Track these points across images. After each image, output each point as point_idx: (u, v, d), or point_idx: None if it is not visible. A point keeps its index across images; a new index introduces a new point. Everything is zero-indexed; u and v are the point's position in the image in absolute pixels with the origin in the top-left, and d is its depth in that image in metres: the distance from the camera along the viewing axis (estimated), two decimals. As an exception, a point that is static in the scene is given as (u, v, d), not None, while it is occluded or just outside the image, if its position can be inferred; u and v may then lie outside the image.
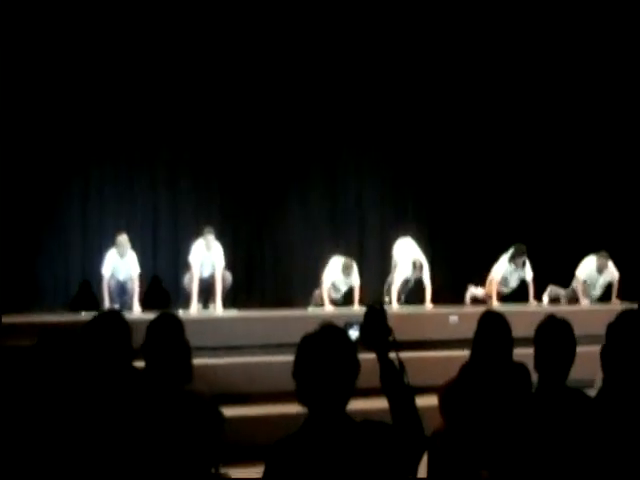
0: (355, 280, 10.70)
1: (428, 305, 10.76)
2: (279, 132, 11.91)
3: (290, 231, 12.03)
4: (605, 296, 11.19)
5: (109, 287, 10.37)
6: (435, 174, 12.45)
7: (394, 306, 10.68)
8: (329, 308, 10.48)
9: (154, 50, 11.40)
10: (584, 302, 11.00)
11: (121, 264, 10.40)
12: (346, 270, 10.61)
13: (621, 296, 10.99)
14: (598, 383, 4.86)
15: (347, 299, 10.86)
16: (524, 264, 10.96)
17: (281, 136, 11.92)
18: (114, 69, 11.23)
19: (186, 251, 10.74)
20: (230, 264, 10.92)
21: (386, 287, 11.24)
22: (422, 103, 12.39)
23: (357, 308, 10.41)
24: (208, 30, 11.59)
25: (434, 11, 12.27)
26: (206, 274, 10.59)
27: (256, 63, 11.77)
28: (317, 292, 10.86)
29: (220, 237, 10.81)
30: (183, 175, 11.76)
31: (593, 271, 11.03)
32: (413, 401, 2.73)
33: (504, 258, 11.07)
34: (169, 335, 4.03)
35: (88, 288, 11.11)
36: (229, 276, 10.74)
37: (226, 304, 10.61)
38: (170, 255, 11.65)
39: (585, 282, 11.09)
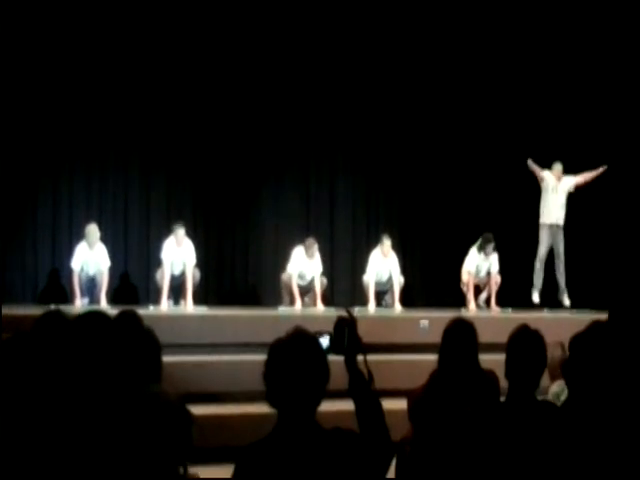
0: (317, 266, 10.79)
1: (397, 307, 10.81)
2: (252, 129, 11.92)
3: (262, 228, 12.04)
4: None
5: (79, 281, 10.31)
6: (407, 173, 12.53)
7: (370, 307, 10.82)
8: (298, 305, 10.57)
9: (127, 44, 11.34)
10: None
11: (91, 257, 10.32)
12: (309, 250, 10.70)
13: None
14: (553, 389, 4.90)
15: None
16: (493, 250, 11.11)
17: (255, 133, 11.94)
18: (87, 63, 11.16)
19: (157, 247, 10.71)
20: (201, 261, 10.91)
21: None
22: (396, 101, 12.48)
23: (321, 308, 10.48)
24: (186, 24, 11.55)
25: (414, 10, 12.31)
26: (177, 271, 10.56)
27: (232, 60, 11.77)
28: (284, 277, 10.86)
29: (192, 234, 10.81)
30: (155, 171, 11.74)
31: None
32: (381, 410, 2.74)
33: (473, 249, 11.23)
34: (127, 334, 4.01)
35: (57, 281, 11.04)
36: (198, 273, 10.72)
37: (196, 301, 10.58)
38: (141, 251, 11.61)
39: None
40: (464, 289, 11.36)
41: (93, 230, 10.26)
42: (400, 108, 12.48)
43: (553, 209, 11.16)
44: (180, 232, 10.39)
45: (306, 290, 10.93)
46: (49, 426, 3.35)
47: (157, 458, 3.70)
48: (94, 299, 10.28)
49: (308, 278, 10.90)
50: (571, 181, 11.18)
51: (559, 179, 11.12)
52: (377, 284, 11.10)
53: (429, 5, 12.32)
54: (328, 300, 11.17)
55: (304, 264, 10.82)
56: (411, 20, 12.35)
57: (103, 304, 10.03)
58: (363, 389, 2.73)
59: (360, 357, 2.78)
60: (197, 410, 4.98)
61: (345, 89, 12.25)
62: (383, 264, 11.07)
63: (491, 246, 11.12)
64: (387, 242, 10.99)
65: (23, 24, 10.76)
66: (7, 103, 10.67)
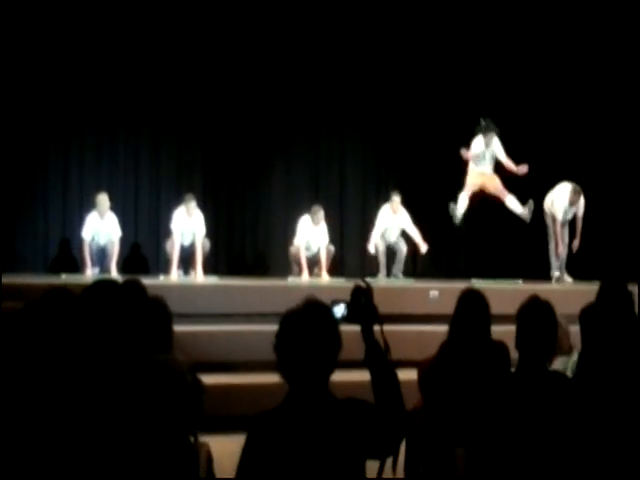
0: (324, 235, 10.84)
1: (423, 247, 10.99)
2: (263, 100, 11.90)
3: (272, 198, 12.04)
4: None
5: (90, 250, 10.34)
6: (418, 144, 12.47)
7: (371, 249, 10.97)
8: (306, 276, 10.60)
9: (137, 21, 11.34)
10: (560, 246, 11.02)
11: (101, 226, 10.35)
12: (315, 217, 10.73)
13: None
14: (556, 365, 4.89)
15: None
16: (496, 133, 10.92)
17: (265, 104, 11.91)
18: (96, 38, 11.15)
19: (167, 218, 10.72)
20: (211, 231, 10.92)
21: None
22: (403, 71, 12.44)
23: (326, 279, 10.53)
24: (191, 6, 11.53)
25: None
26: (187, 242, 10.58)
27: (242, 35, 11.77)
28: (292, 249, 10.89)
29: (202, 204, 10.82)
30: (165, 140, 11.74)
31: (566, 204, 10.97)
32: (396, 381, 2.74)
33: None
34: (132, 303, 4.02)
35: (68, 250, 11.08)
36: (207, 243, 10.73)
37: (206, 271, 10.61)
38: (151, 221, 11.65)
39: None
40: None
41: (103, 200, 10.28)
42: (407, 80, 12.43)
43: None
44: (191, 203, 10.40)
45: (314, 261, 10.94)
46: (57, 396, 3.37)
47: (167, 426, 3.72)
48: (104, 269, 10.31)
49: (314, 249, 10.90)
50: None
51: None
52: (387, 242, 11.12)
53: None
54: (337, 270, 11.20)
55: (311, 234, 10.83)
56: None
57: (114, 274, 10.05)
58: (379, 359, 2.73)
59: (377, 327, 2.77)
60: (208, 379, 4.99)
61: (354, 59, 12.21)
62: (392, 220, 11.05)
63: (492, 131, 10.81)
64: (396, 198, 10.96)
65: (32, 2, 10.75)
66: (17, 74, 10.68)
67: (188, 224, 10.50)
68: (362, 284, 2.81)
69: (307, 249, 10.87)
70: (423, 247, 11.04)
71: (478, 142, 10.77)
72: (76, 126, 11.28)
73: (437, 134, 12.48)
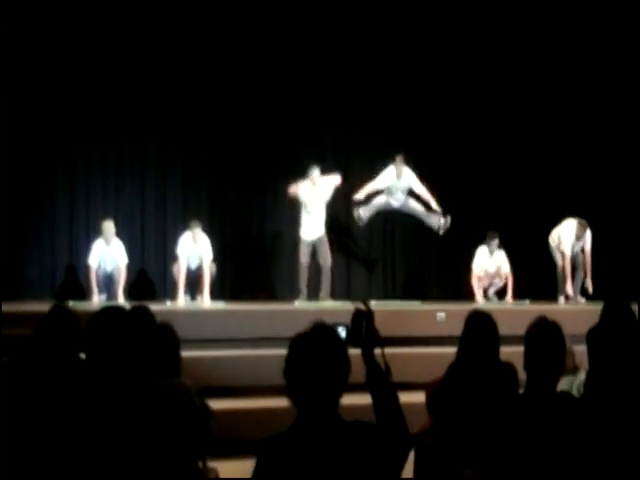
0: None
1: (434, 206, 10.95)
2: (268, 123, 11.91)
3: (278, 222, 12.03)
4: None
5: (97, 277, 10.36)
6: (423, 163, 12.44)
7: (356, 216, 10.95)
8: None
9: (143, 40, 11.38)
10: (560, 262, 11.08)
11: (107, 253, 10.37)
12: (491, 246, 10.94)
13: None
14: (561, 384, 4.88)
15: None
16: (498, 247, 11.08)
17: (270, 127, 11.92)
18: (103, 60, 11.20)
19: (174, 242, 10.72)
20: (218, 256, 10.93)
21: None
22: (411, 87, 12.45)
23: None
24: (194, 19, 11.58)
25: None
26: (193, 265, 10.59)
27: (244, 53, 11.78)
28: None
29: (208, 228, 10.82)
30: (171, 165, 11.76)
31: (572, 239, 11.01)
32: (398, 403, 2.74)
33: (480, 248, 11.21)
34: (141, 329, 4.03)
35: (74, 277, 11.09)
36: (214, 268, 10.74)
37: (213, 296, 10.62)
38: (158, 246, 11.65)
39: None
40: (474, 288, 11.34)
41: (109, 226, 10.31)
42: (414, 92, 12.44)
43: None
44: (197, 229, 10.43)
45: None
46: (66, 422, 3.37)
47: (175, 451, 3.72)
48: (111, 295, 10.33)
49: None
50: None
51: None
52: (390, 196, 11.01)
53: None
54: (343, 290, 11.22)
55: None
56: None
57: (120, 300, 10.08)
58: (380, 382, 2.73)
59: (377, 349, 2.78)
60: (216, 404, 4.99)
61: (362, 77, 12.22)
62: (396, 183, 10.93)
63: (495, 243, 11.04)
64: (399, 160, 10.84)
65: (39, 18, 10.82)
66: (23, 99, 10.75)
67: (194, 249, 10.52)
68: (363, 307, 2.82)
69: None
70: (433, 203, 10.92)
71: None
72: (82, 152, 11.31)
73: (442, 150, 12.50)
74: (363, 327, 2.78)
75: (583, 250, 11.06)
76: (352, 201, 10.96)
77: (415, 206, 10.96)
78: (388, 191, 10.90)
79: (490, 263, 11.21)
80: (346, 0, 12.07)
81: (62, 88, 11.07)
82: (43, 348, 3.76)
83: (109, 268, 10.43)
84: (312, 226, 10.61)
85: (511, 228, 11.50)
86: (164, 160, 11.72)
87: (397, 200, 10.94)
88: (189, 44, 11.57)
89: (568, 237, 11.00)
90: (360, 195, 10.82)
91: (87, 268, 10.39)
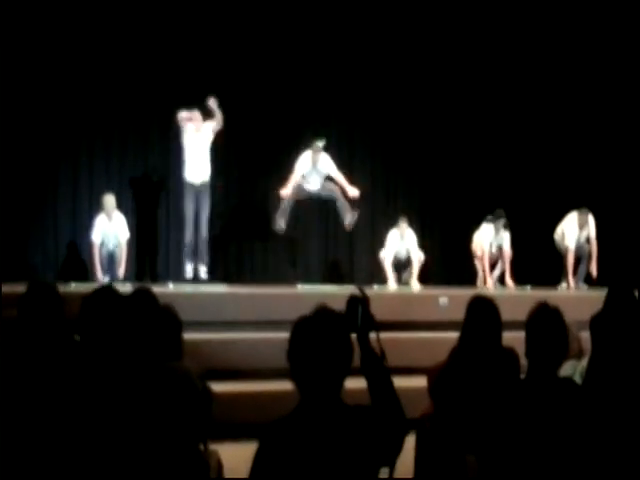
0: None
1: (414, 285, 10.82)
2: (270, 112, 11.91)
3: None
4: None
5: (100, 256, 10.31)
6: (425, 151, 12.52)
7: (390, 285, 10.80)
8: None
9: (145, 26, 11.36)
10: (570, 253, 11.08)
11: (110, 228, 10.31)
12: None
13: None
14: (565, 368, 4.88)
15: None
16: (504, 227, 11.07)
17: (272, 116, 11.93)
18: (103, 45, 11.17)
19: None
20: (222, 238, 10.94)
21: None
22: (411, 83, 12.46)
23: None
24: (195, 10, 11.56)
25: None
26: (111, 246, 10.45)
27: (253, 46, 11.79)
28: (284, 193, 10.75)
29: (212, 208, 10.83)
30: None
31: (576, 230, 11.05)
32: (393, 387, 2.75)
33: (484, 224, 11.23)
34: (143, 311, 4.03)
35: (77, 256, 11.07)
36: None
37: (216, 278, 10.63)
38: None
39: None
40: (478, 265, 11.34)
41: (110, 200, 10.23)
42: (416, 90, 12.46)
43: None
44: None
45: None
46: (65, 404, 3.37)
47: (176, 434, 3.72)
48: (114, 276, 10.31)
49: (312, 184, 10.82)
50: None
51: None
52: (396, 261, 11.09)
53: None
54: (347, 277, 11.25)
55: (308, 170, 10.70)
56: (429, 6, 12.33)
57: (121, 278, 10.15)
58: (375, 367, 2.74)
59: (373, 335, 2.78)
60: (219, 387, 5.00)
61: (363, 71, 12.23)
62: (401, 244, 11.06)
63: (501, 222, 11.07)
64: (403, 224, 10.97)
65: (39, 10, 10.80)
66: (25, 80, 10.72)
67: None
68: (358, 293, 2.82)
69: (307, 182, 10.80)
70: (415, 284, 10.90)
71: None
72: (85, 132, 11.27)
73: (445, 140, 12.55)
74: (359, 313, 2.78)
75: (588, 239, 11.07)
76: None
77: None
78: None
79: (493, 242, 11.21)
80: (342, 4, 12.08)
81: (64, 69, 11.04)
82: (27, 328, 3.76)
83: (111, 246, 10.37)
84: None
85: (513, 213, 11.46)
86: (167, 138, 11.69)
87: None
88: (192, 38, 11.56)
89: (571, 230, 11.05)
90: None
91: (90, 245, 10.34)
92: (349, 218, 10.72)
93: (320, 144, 10.58)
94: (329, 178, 10.80)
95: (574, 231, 11.03)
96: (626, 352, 3.84)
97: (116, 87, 11.27)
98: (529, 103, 12.55)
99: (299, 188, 10.71)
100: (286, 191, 10.61)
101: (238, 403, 6.93)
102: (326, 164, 10.72)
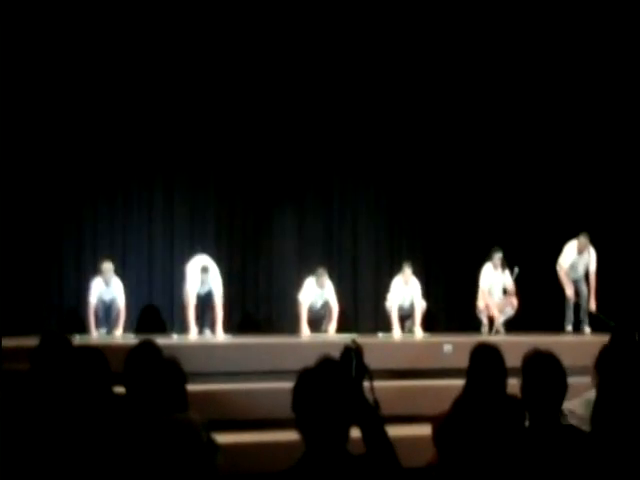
0: (330, 293, 10.88)
1: (418, 332, 10.82)
2: (274, 158, 11.98)
3: (285, 255, 12.06)
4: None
5: (96, 311, 10.46)
6: (430, 200, 12.51)
7: (395, 333, 10.78)
8: (306, 332, 10.64)
9: (151, 80, 11.50)
10: (568, 290, 11.11)
11: (107, 292, 10.52)
12: (319, 280, 10.77)
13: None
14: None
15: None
16: (503, 264, 11.11)
17: (276, 162, 11.99)
18: (105, 95, 11.28)
19: (181, 276, 10.79)
20: (224, 288, 10.95)
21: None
22: (415, 125, 12.52)
23: (333, 334, 10.63)
24: (202, 59, 11.70)
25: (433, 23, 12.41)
26: (203, 291, 10.62)
27: (251, 85, 11.85)
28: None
29: (216, 260, 10.85)
30: (178, 199, 11.80)
31: (574, 254, 11.09)
32: (387, 436, 2.76)
33: (485, 266, 11.25)
34: (148, 363, 4.04)
35: (80, 312, 11.08)
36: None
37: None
38: (165, 279, 11.66)
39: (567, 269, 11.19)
40: (480, 316, 11.34)
41: (108, 267, 10.42)
42: (420, 133, 12.52)
43: None
44: (206, 275, 10.50)
45: (320, 317, 11.01)
46: (70, 461, 3.38)
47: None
48: (112, 328, 10.50)
49: (318, 306, 10.98)
50: None
51: None
52: (399, 309, 11.09)
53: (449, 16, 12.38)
54: (351, 325, 11.25)
55: (315, 295, 10.92)
56: (430, 36, 12.44)
57: (119, 333, 10.35)
58: (370, 416, 2.76)
59: (367, 384, 2.80)
60: (224, 438, 4.99)
61: (367, 114, 12.30)
62: (405, 290, 11.08)
63: (498, 257, 11.09)
64: (408, 270, 11.00)
65: (36, 55, 10.93)
66: (25, 143, 10.80)
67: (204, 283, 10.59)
68: (352, 345, 2.84)
69: (314, 310, 10.95)
70: (419, 331, 10.88)
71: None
72: (88, 189, 11.32)
73: (451, 189, 12.56)
74: (353, 364, 2.80)
75: (588, 273, 11.05)
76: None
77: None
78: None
79: (495, 280, 11.22)
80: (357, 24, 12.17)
81: (67, 126, 11.14)
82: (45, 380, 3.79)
83: (108, 300, 10.52)
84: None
85: (516, 258, 11.48)
86: (170, 195, 11.76)
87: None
88: (194, 78, 11.66)
89: (569, 252, 11.09)
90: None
91: (87, 305, 10.47)
92: (327, 326, 10.89)
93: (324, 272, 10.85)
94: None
95: (571, 254, 11.06)
96: (633, 394, 3.83)
97: (118, 149, 11.38)
98: (528, 144, 12.56)
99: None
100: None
101: (243, 454, 6.90)
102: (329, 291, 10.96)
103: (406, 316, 11.21)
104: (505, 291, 11.33)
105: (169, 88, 11.59)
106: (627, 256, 12.03)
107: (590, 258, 11.07)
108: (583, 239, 11.00)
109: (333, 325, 10.86)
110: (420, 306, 11.03)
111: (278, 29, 11.89)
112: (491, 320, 11.30)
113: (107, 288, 10.46)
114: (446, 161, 12.55)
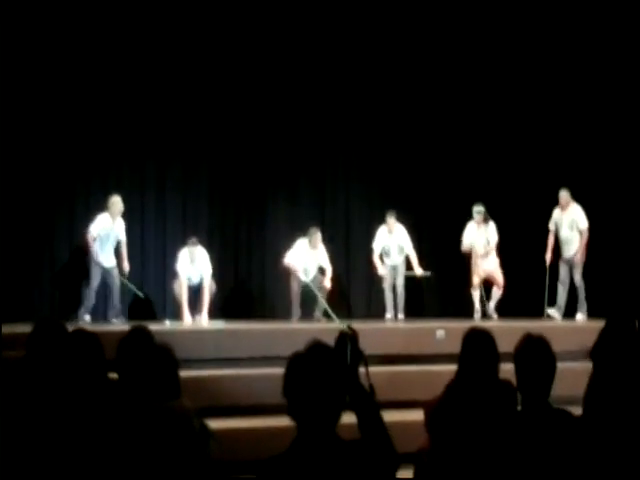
0: (322, 256, 10.92)
1: (418, 270, 11.03)
2: (266, 145, 12.00)
3: (277, 241, 12.05)
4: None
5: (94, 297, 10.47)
6: (422, 182, 12.53)
7: (379, 271, 11.04)
8: (297, 312, 10.76)
9: (143, 67, 11.49)
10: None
11: (112, 230, 10.43)
12: (312, 240, 10.81)
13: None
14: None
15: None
16: (485, 218, 11.09)
17: (269, 147, 12.02)
18: (99, 83, 11.25)
19: (173, 262, 10.78)
20: (217, 273, 10.95)
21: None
22: (407, 109, 12.54)
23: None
24: (195, 48, 11.69)
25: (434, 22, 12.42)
26: (194, 283, 10.60)
27: (243, 72, 11.86)
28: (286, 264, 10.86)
29: (208, 247, 10.84)
30: (170, 184, 11.79)
31: (558, 210, 11.08)
32: (382, 422, 2.76)
33: (468, 225, 11.29)
34: (140, 350, 4.04)
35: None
36: (214, 286, 10.79)
37: (212, 314, 10.63)
38: (157, 266, 11.66)
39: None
40: (473, 294, 11.34)
41: (116, 201, 10.41)
42: (413, 116, 12.54)
43: None
44: (195, 248, 10.45)
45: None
46: (61, 447, 3.37)
47: (175, 471, 3.72)
48: (113, 314, 10.49)
49: (312, 274, 10.99)
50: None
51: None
52: (387, 258, 11.17)
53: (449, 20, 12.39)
54: (344, 307, 11.29)
55: (307, 257, 10.93)
56: (433, 36, 12.46)
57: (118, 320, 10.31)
58: (365, 402, 2.76)
59: (362, 370, 2.80)
60: (218, 424, 4.98)
61: (359, 97, 12.33)
62: (390, 239, 11.13)
63: (477, 211, 11.06)
64: (390, 219, 11.07)
65: (36, 58, 10.92)
66: (20, 127, 10.77)
67: (193, 267, 10.56)
68: (347, 330, 2.84)
69: (306, 274, 10.94)
70: (418, 270, 11.01)
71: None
72: (81, 172, 11.33)
73: (444, 169, 12.57)
74: (348, 350, 2.80)
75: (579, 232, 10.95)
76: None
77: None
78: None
79: (479, 236, 11.18)
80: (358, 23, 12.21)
81: (63, 109, 11.11)
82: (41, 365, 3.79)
83: (107, 265, 10.51)
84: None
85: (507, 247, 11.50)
86: (163, 179, 11.74)
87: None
88: (192, 68, 11.68)
89: (555, 213, 11.07)
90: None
91: (86, 237, 10.42)
92: (317, 313, 10.91)
93: (317, 231, 10.85)
94: (321, 270, 10.99)
95: (556, 212, 11.05)
96: (624, 380, 3.84)
97: (110, 130, 11.36)
98: (519, 124, 12.59)
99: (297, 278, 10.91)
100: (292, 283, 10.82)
101: (235, 440, 6.89)
102: (322, 255, 10.95)
103: (394, 265, 11.22)
104: (489, 242, 11.23)
105: (162, 77, 11.58)
106: (626, 242, 12.01)
107: (576, 214, 10.98)
108: (563, 194, 10.93)
109: (327, 280, 10.88)
110: (412, 250, 11.09)
111: (268, 19, 11.89)
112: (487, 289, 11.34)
113: (112, 224, 10.38)
114: (445, 160, 12.56)
